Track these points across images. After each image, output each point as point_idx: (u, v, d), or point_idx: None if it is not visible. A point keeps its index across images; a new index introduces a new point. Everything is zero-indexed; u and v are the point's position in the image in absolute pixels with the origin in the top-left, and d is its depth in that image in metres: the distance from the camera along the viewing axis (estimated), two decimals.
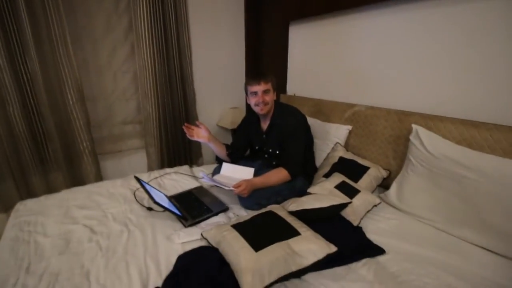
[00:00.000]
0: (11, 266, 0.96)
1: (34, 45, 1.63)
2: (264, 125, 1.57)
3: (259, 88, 1.40)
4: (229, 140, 2.71)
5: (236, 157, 1.67)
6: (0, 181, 1.70)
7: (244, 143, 1.69)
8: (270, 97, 1.44)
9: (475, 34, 1.20)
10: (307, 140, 1.53)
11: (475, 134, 1.17)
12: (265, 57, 2.54)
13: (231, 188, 1.25)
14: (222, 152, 1.63)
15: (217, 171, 1.59)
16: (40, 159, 1.83)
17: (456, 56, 1.28)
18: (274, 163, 1.53)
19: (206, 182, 1.55)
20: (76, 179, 1.96)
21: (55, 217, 1.24)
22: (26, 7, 1.57)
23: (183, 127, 1.51)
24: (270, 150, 1.55)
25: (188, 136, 1.52)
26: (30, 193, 1.80)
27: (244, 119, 1.74)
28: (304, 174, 1.51)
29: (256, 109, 1.47)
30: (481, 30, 1.18)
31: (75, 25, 1.83)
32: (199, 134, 1.54)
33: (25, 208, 1.32)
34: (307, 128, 1.55)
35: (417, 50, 1.41)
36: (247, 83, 1.45)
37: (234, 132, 2.60)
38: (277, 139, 1.50)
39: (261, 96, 1.41)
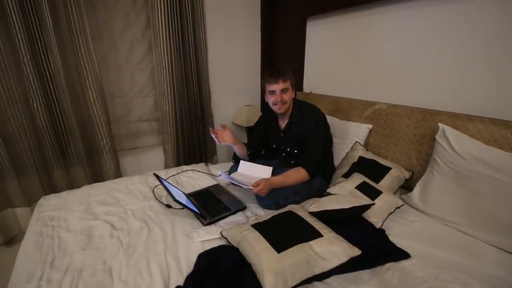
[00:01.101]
0: (36, 260, 0.98)
1: (56, 41, 1.66)
2: (282, 123, 1.54)
3: (277, 87, 1.38)
4: (244, 137, 2.71)
5: (254, 156, 1.65)
6: (24, 175, 1.75)
7: (261, 142, 1.67)
8: (288, 96, 1.41)
9: (507, 29, 1.13)
10: (326, 139, 1.50)
11: (507, 135, 1.11)
12: (281, 54, 2.50)
13: (250, 187, 1.24)
14: (243, 152, 1.61)
15: (233, 169, 1.58)
16: (62, 154, 1.88)
17: (486, 52, 1.20)
18: (292, 162, 1.51)
19: (224, 180, 1.55)
20: (96, 175, 2.00)
21: (77, 213, 1.27)
22: (48, 1, 1.58)
23: (211, 133, 1.48)
24: (288, 149, 1.53)
25: (217, 141, 1.50)
26: (53, 187, 1.85)
27: (261, 117, 1.71)
28: (322, 174, 1.47)
29: (274, 108, 1.44)
30: None
31: (95, 22, 1.86)
32: (224, 137, 1.51)
33: (48, 203, 1.36)
34: (326, 127, 1.51)
35: (442, 46, 1.34)
36: (265, 81, 1.42)
37: (249, 130, 2.59)
38: (295, 138, 1.47)
39: (280, 95, 1.38)
